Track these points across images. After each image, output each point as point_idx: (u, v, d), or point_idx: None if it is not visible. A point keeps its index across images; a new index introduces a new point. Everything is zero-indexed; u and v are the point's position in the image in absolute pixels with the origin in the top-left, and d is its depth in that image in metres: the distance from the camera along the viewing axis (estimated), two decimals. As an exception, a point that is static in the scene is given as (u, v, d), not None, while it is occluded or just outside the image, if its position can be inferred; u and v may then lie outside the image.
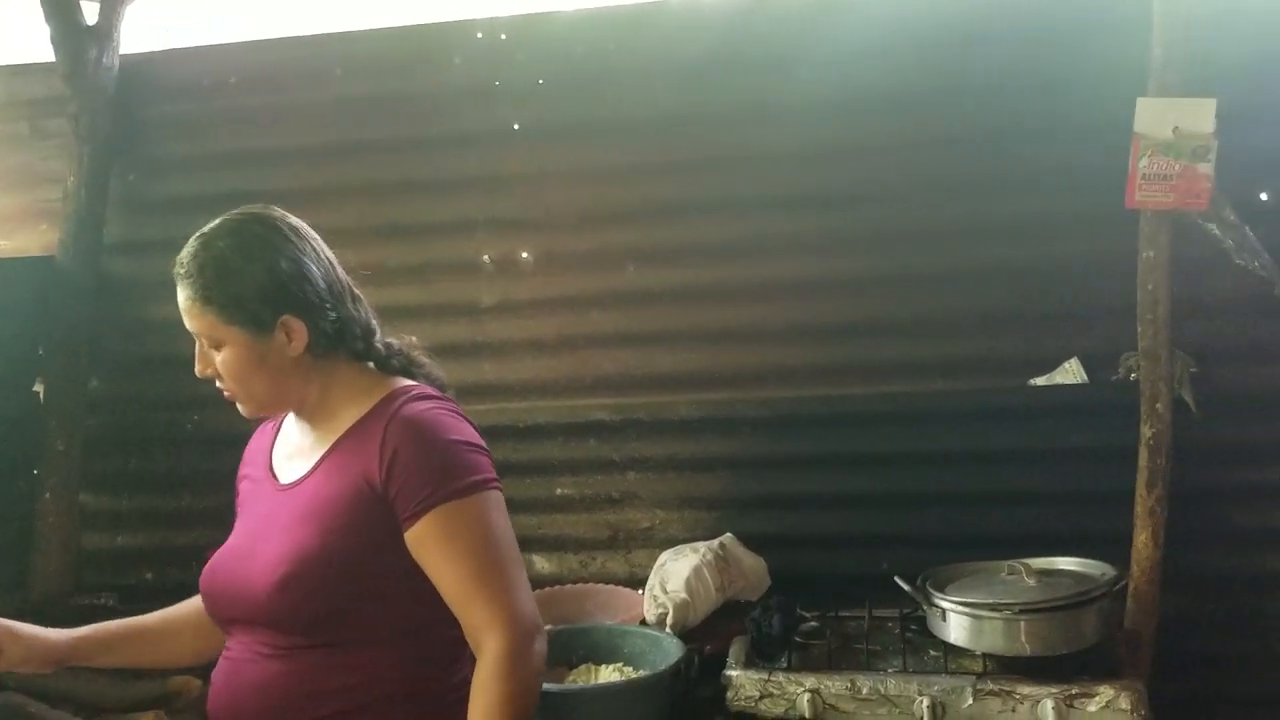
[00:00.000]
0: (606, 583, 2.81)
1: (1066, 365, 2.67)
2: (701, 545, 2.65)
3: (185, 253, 1.56)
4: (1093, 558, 2.31)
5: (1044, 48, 2.62)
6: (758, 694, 2.21)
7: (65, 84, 2.95)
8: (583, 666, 2.35)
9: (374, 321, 1.68)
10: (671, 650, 2.27)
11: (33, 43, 3.06)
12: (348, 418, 1.59)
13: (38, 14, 2.92)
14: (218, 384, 1.61)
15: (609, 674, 2.30)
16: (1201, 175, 2.39)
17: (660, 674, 2.19)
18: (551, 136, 2.87)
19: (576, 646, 2.37)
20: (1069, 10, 2.62)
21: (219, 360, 1.57)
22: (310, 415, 1.64)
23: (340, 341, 1.60)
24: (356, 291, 1.66)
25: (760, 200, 2.78)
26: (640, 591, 2.62)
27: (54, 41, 2.93)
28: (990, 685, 2.10)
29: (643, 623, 2.50)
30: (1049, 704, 2.05)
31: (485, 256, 2.95)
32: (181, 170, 3.06)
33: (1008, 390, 2.69)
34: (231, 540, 1.68)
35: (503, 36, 2.88)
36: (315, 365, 1.59)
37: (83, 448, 3.06)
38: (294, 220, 1.62)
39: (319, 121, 2.97)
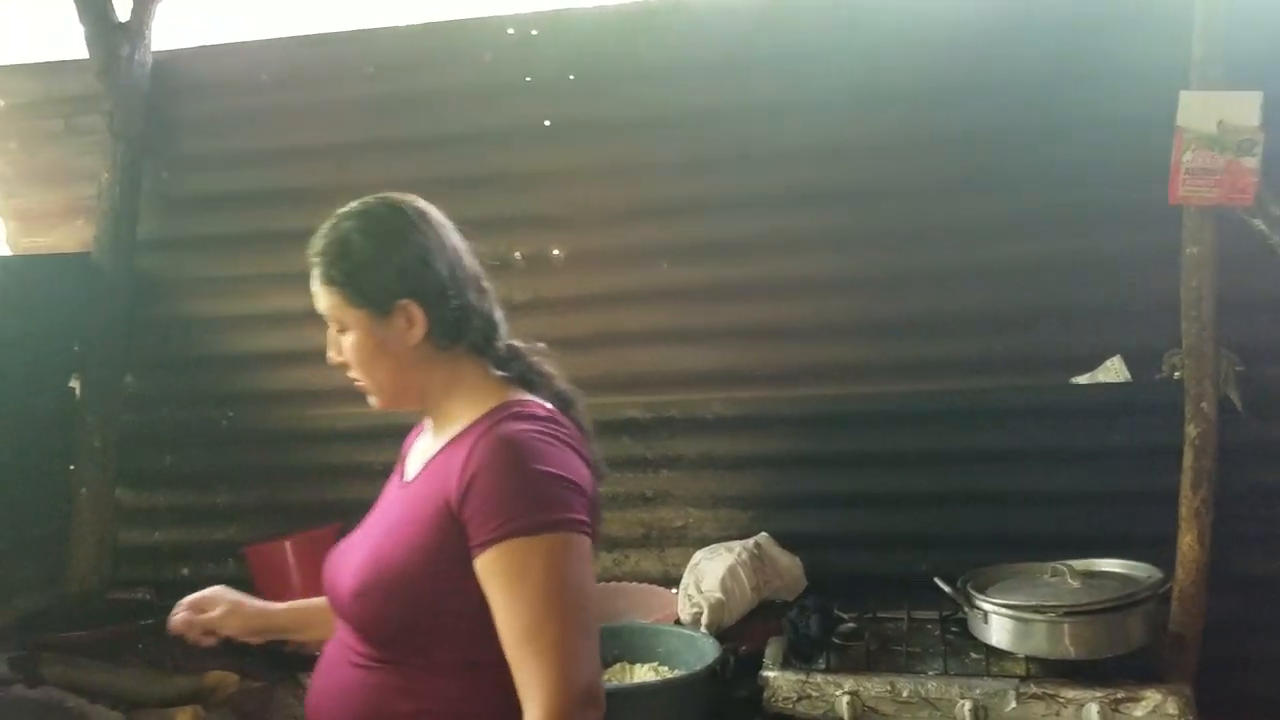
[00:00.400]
0: (640, 582, 2.79)
1: (1109, 363, 2.63)
2: (736, 544, 2.64)
3: (316, 235, 1.55)
4: (1137, 559, 2.29)
5: (1082, 40, 2.58)
6: (795, 695, 2.19)
7: (99, 81, 2.97)
8: (617, 666, 2.34)
9: (498, 316, 1.59)
10: (707, 650, 2.26)
11: (66, 40, 3.07)
12: (458, 424, 1.51)
13: (71, 12, 2.93)
14: (348, 374, 1.57)
15: (644, 673, 2.30)
16: (1247, 170, 2.34)
17: (696, 674, 2.18)
18: (583, 132, 2.86)
19: (611, 646, 2.35)
20: (1107, 1, 2.57)
21: (346, 346, 1.54)
22: (434, 414, 1.58)
23: (460, 333, 1.53)
24: (484, 284, 1.59)
25: (796, 195, 2.75)
26: (674, 591, 2.61)
27: (87, 39, 2.95)
28: (1034, 688, 2.08)
29: (677, 622, 2.49)
30: (1094, 708, 2.02)
31: (517, 253, 2.94)
32: (214, 167, 3.07)
33: (1049, 389, 2.66)
34: (353, 532, 1.64)
35: (534, 32, 2.86)
36: (438, 358, 1.53)
37: (119, 444, 3.09)
38: (423, 205, 1.57)
39: (351, 118, 2.97)
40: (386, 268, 1.49)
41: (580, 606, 1.37)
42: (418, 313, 1.49)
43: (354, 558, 1.52)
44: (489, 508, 1.37)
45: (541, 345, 1.64)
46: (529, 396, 1.54)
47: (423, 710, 1.44)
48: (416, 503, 1.49)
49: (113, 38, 2.95)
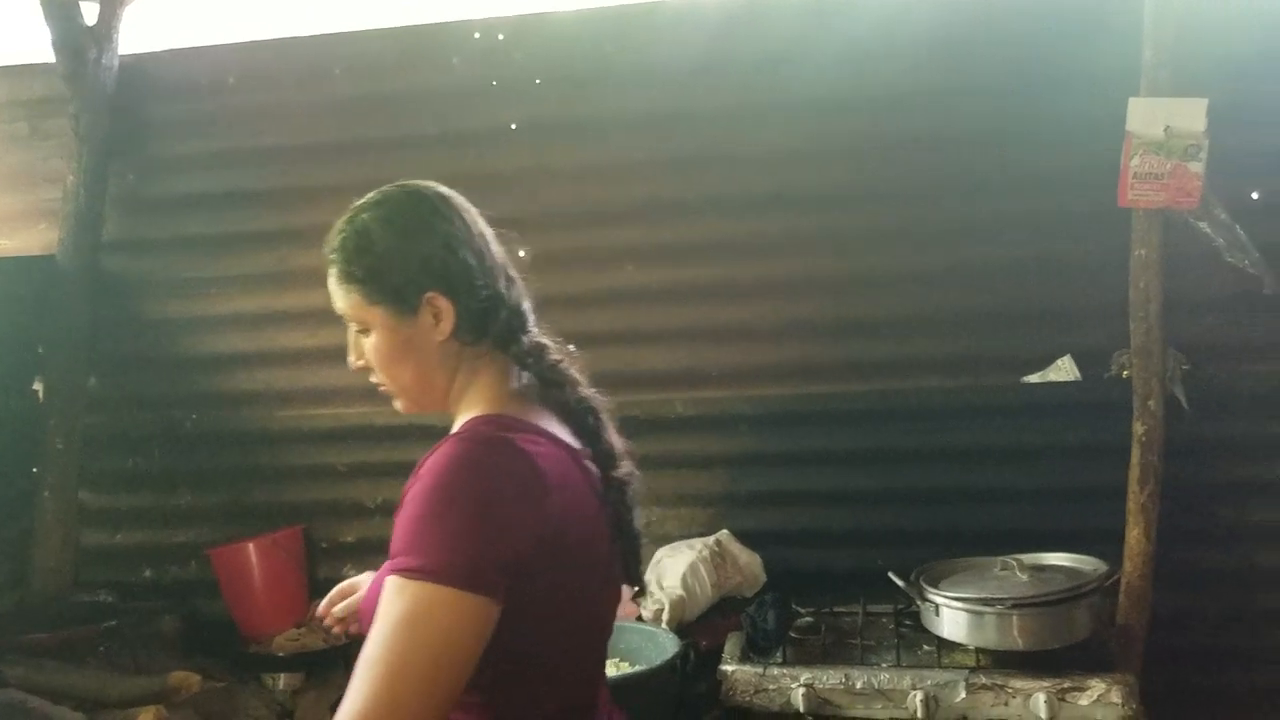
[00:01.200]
0: (603, 579, 2.81)
1: (1059, 362, 2.68)
2: (697, 542, 2.67)
3: (331, 231, 1.43)
4: (1086, 553, 2.33)
5: (1036, 49, 2.64)
6: (753, 688, 2.22)
7: (65, 84, 2.97)
8: (580, 662, 2.36)
9: (526, 308, 1.46)
10: (668, 646, 2.29)
11: (33, 43, 3.08)
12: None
13: (38, 15, 2.94)
14: (371, 379, 1.45)
15: (606, 669, 2.31)
16: (1192, 174, 2.41)
17: (656, 669, 2.20)
18: (548, 135, 2.89)
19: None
20: (1061, 12, 2.64)
21: (367, 348, 1.42)
22: (454, 417, 1.44)
23: (487, 326, 1.41)
24: (512, 273, 1.47)
25: (756, 199, 2.80)
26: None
27: (54, 43, 2.95)
28: (983, 679, 2.12)
29: (639, 619, 2.51)
30: (1041, 697, 2.07)
31: (483, 255, 2.96)
32: (179, 169, 3.08)
33: (1001, 388, 2.71)
34: None
35: (500, 37, 2.90)
36: (462, 354, 1.42)
37: (82, 446, 3.10)
38: (445, 190, 1.46)
39: (317, 121, 2.99)
40: (411, 258, 1.38)
41: (417, 671, 1.16)
42: (445, 305, 1.38)
43: None
44: (397, 533, 1.25)
45: (570, 347, 1.51)
46: (509, 413, 1.38)
47: None
48: None
49: (80, 41, 2.95)
